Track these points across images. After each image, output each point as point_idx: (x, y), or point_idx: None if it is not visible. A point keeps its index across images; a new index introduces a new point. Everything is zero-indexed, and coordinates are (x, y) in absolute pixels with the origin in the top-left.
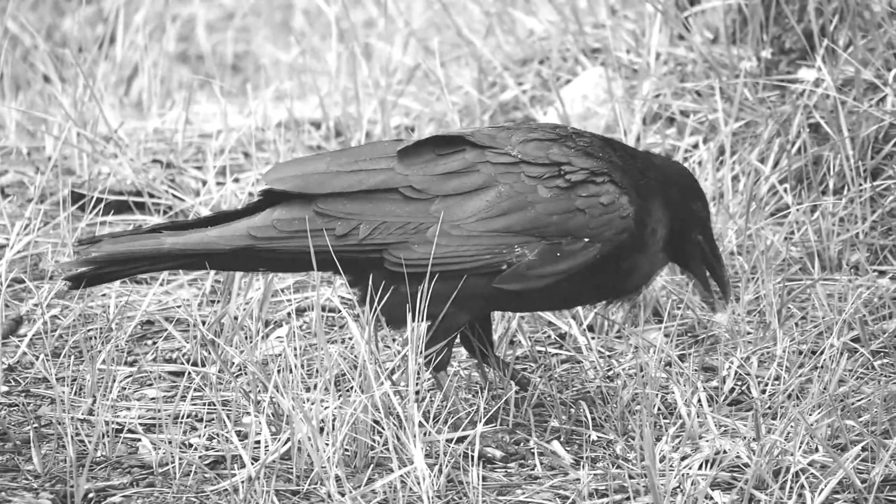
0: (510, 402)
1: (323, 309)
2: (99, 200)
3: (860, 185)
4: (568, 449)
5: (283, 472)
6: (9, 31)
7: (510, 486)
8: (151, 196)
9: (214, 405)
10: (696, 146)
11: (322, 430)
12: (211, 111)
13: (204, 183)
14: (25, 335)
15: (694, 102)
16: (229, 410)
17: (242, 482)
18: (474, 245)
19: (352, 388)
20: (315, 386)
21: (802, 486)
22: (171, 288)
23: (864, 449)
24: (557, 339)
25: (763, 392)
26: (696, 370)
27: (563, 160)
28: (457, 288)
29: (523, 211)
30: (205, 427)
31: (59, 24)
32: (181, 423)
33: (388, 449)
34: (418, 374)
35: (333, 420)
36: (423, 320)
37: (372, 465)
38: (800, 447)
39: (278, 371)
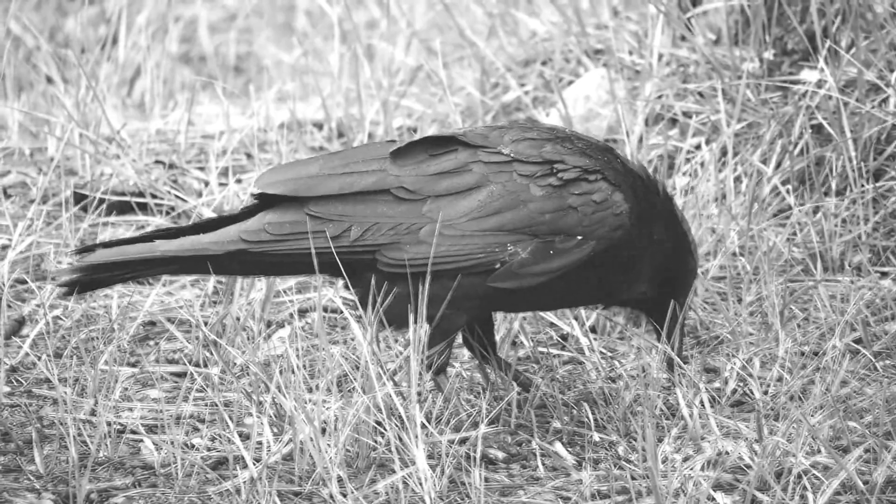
0: (512, 403)
1: (325, 310)
2: (101, 201)
3: (862, 186)
4: (570, 450)
5: (285, 472)
6: (11, 32)
7: (512, 488)
8: (154, 197)
9: (216, 406)
10: (698, 147)
11: (324, 430)
12: (213, 112)
13: (206, 184)
14: (28, 336)
15: (696, 103)
16: (231, 411)
17: (244, 483)
18: (467, 244)
19: (354, 388)
20: (317, 387)
21: (805, 488)
22: (173, 289)
23: (866, 450)
24: (559, 340)
25: (765, 393)
26: (698, 371)
27: (556, 158)
28: (451, 288)
29: (516, 209)
30: (207, 428)
31: (62, 25)
32: (183, 423)
33: (390, 450)
34: (420, 374)
35: (335, 421)
36: (423, 321)
37: (374, 466)
38: (802, 448)
39: (280, 372)
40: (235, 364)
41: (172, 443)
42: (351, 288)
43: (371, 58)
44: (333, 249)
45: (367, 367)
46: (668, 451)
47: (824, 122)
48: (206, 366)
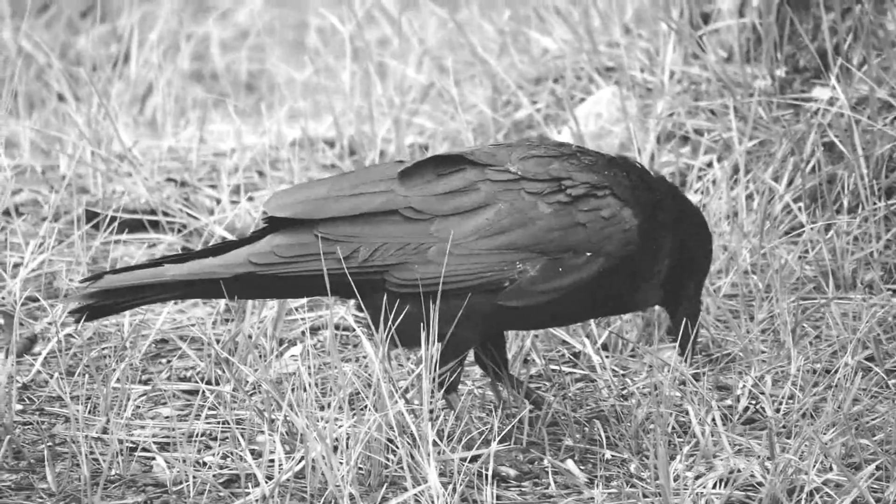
0: (524, 420)
1: (337, 328)
2: (113, 219)
3: (874, 203)
4: (582, 468)
5: (297, 490)
6: (23, 50)
7: None
8: (166, 215)
9: (228, 424)
10: (710, 165)
11: (336, 448)
12: (225, 130)
13: (218, 202)
14: (40, 353)
15: (708, 121)
16: (243, 429)
17: (256, 501)
18: (475, 263)
19: (366, 406)
20: (329, 404)
21: None
22: (185, 307)
23: (878, 468)
24: (571, 357)
25: (777, 411)
26: (710, 389)
27: (563, 175)
28: (461, 307)
29: (524, 227)
30: (219, 445)
31: (74, 43)
32: (195, 441)
33: (402, 468)
34: (432, 392)
35: (347, 439)
36: (435, 340)
37: (386, 484)
38: (814, 466)
39: (292, 390)
40: (247, 382)
41: (184, 460)
42: (361, 309)
43: (383, 76)
44: (342, 271)
45: (379, 385)
46: (680, 469)
47: (836, 140)
48: (217, 383)
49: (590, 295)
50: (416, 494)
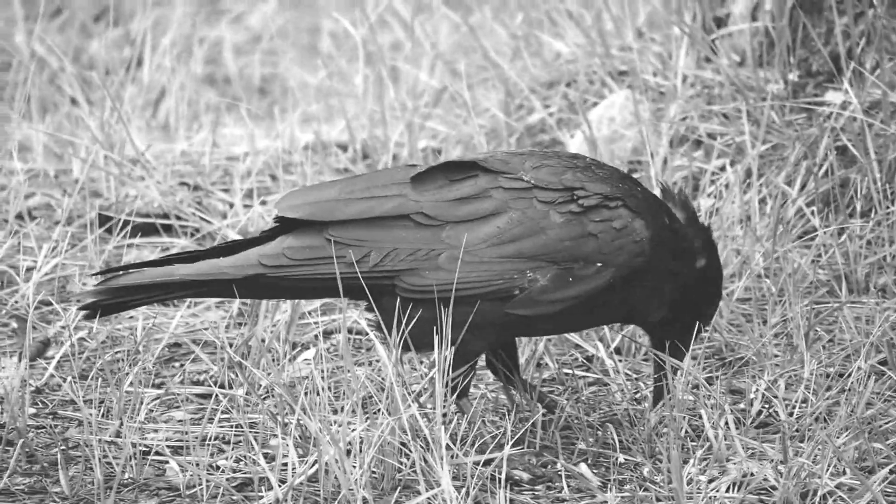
0: (537, 424)
1: (350, 331)
2: (126, 223)
3: (887, 207)
4: (595, 471)
5: (310, 494)
6: (36, 54)
7: None
8: (178, 218)
9: (242, 427)
10: (722, 169)
11: (349, 452)
12: (238, 134)
13: (231, 205)
14: (53, 357)
15: (721, 125)
16: (256, 433)
17: None
18: (486, 271)
19: (379, 410)
20: (342, 408)
21: None
22: (198, 310)
23: (891, 471)
24: (584, 361)
25: (790, 415)
26: (723, 393)
27: (576, 185)
28: (470, 314)
29: (535, 236)
30: (232, 449)
31: (87, 47)
32: (208, 445)
33: (415, 471)
34: (445, 396)
35: (360, 442)
36: (447, 345)
37: (399, 488)
38: (827, 470)
39: (305, 393)
40: (260, 386)
41: (197, 464)
42: (371, 312)
43: (395, 79)
44: (353, 275)
45: (393, 389)
46: (693, 473)
47: (849, 144)
48: (231, 387)
49: (599, 305)
50: (429, 498)
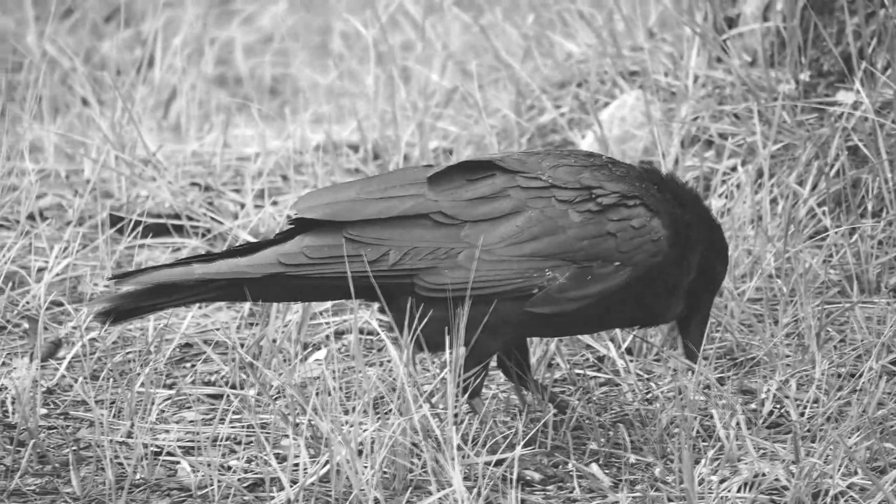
0: (548, 424)
1: (361, 332)
2: (137, 223)
3: None
4: (606, 472)
5: (321, 494)
6: (47, 55)
7: None
8: (190, 219)
9: (253, 428)
10: (734, 169)
11: (361, 452)
12: (249, 134)
13: (242, 206)
14: (64, 358)
15: (732, 125)
16: (268, 433)
17: None
18: (504, 269)
19: (390, 410)
20: (354, 409)
21: None
22: (209, 311)
23: None
24: (596, 361)
25: (802, 415)
26: (734, 393)
27: (594, 184)
28: (487, 313)
29: (554, 235)
30: (243, 450)
31: (98, 48)
32: (220, 445)
33: (426, 472)
34: (457, 396)
35: (372, 443)
36: (461, 345)
37: (410, 488)
38: (839, 470)
39: (317, 394)
40: (272, 386)
41: (209, 465)
42: (388, 312)
43: (407, 80)
44: (372, 273)
45: (404, 389)
46: (704, 473)
47: (860, 144)
48: (242, 388)
49: (617, 304)
50: (440, 498)
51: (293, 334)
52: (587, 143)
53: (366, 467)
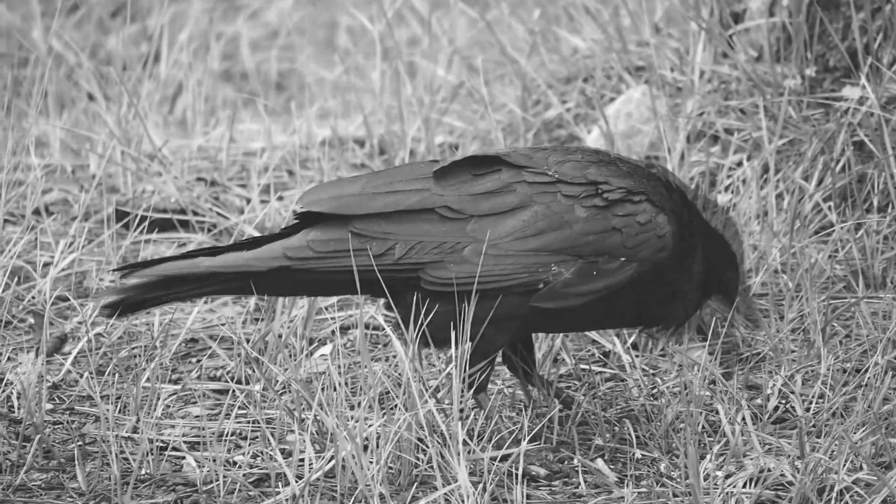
0: (554, 420)
1: (367, 327)
2: (143, 218)
3: None
4: (612, 467)
5: (327, 489)
6: (53, 50)
7: None
8: (196, 214)
9: (258, 423)
10: (740, 164)
11: (366, 447)
12: (255, 129)
13: (248, 201)
14: (70, 353)
15: (738, 120)
16: (273, 428)
17: (287, 500)
18: (511, 264)
19: (396, 406)
20: (359, 404)
21: None
22: (215, 306)
23: None
24: (601, 357)
25: (807, 410)
26: (740, 388)
27: (600, 180)
28: (493, 308)
29: (560, 230)
30: (249, 445)
31: (104, 43)
32: (225, 440)
33: (432, 467)
34: (462, 391)
35: (377, 438)
36: (466, 340)
37: (416, 484)
38: (844, 465)
39: (322, 389)
40: (277, 381)
41: (214, 460)
42: (393, 306)
43: (412, 75)
44: (377, 267)
45: (409, 385)
46: (710, 468)
47: (866, 139)
48: (247, 383)
49: (622, 300)
50: (446, 494)
51: (299, 329)
52: (593, 138)
53: (371, 462)
